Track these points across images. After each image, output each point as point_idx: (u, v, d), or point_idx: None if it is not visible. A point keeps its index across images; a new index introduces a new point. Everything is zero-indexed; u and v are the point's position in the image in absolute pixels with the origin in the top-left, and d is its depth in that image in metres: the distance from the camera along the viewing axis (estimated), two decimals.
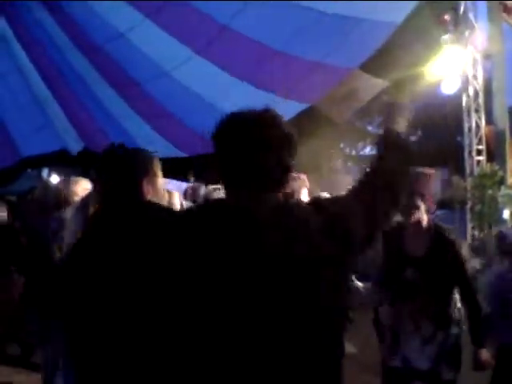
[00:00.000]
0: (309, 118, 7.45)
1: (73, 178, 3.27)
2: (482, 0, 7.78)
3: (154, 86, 7.08)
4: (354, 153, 26.08)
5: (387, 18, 6.76)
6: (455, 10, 7.47)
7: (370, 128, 25.56)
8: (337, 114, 7.96)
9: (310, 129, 8.17)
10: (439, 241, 2.71)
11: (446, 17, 7.30)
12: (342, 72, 7.14)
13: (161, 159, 1.92)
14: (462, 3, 7.69)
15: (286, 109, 7.36)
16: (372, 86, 7.84)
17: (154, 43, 6.52)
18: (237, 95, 6.90)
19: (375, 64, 7.29)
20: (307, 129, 8.08)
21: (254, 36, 6.19)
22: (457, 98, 8.47)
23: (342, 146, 26.02)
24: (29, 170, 11.82)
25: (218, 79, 6.75)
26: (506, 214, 7.16)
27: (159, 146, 7.91)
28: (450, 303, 2.77)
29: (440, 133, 20.16)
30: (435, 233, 2.73)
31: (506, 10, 7.47)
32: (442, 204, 8.72)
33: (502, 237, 3.51)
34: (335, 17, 6.34)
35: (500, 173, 7.35)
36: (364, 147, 26.13)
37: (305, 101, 7.32)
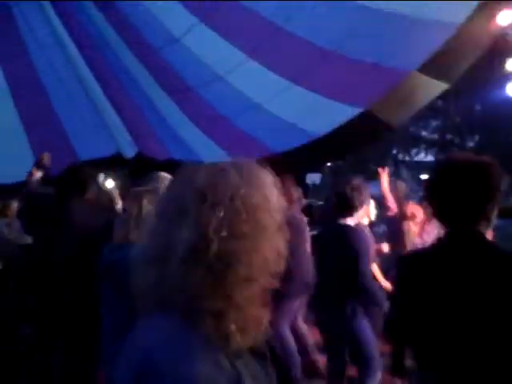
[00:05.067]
0: (364, 122, 7.24)
1: None
2: None
3: (208, 91, 7.08)
4: (407, 158, 25.48)
5: (448, 17, 6.50)
6: None
7: (424, 133, 24.92)
8: (394, 118, 7.70)
9: (366, 133, 7.96)
10: None
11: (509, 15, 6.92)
12: (400, 74, 6.91)
13: None
14: None
15: (340, 112, 7.22)
16: (431, 88, 7.56)
17: (208, 47, 6.51)
18: (289, 99, 6.80)
19: (434, 65, 7.02)
20: (363, 133, 7.87)
21: (308, 36, 6.07)
22: None
23: (394, 151, 25.47)
24: None
25: (269, 82, 6.66)
26: None
27: (212, 152, 7.91)
28: None
29: (501, 138, 19.38)
30: None
31: None
32: (506, 213, 8.28)
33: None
34: (393, 16, 6.14)
35: None
36: (418, 153, 25.49)
37: (360, 105, 7.12)
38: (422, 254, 1.87)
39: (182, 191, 1.03)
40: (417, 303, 1.73)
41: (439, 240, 1.80)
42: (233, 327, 1.00)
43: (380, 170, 4.91)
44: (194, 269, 0.96)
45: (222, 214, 0.97)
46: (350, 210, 3.99)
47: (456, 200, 1.72)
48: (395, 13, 6.25)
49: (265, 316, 1.06)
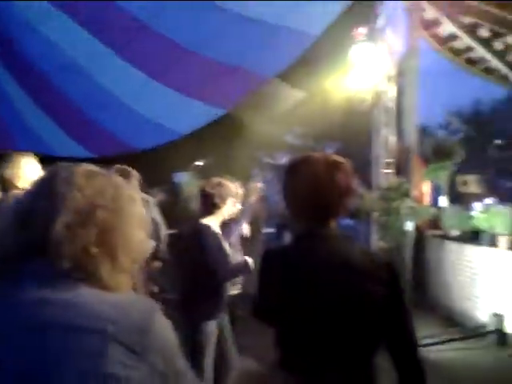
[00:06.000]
0: (224, 123, 7.36)
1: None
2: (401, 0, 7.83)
3: (64, 81, 6.71)
4: (271, 161, 26.43)
5: (307, 28, 6.82)
6: (373, 23, 7.65)
7: (288, 138, 26.02)
8: (254, 121, 7.92)
9: (226, 134, 8.10)
10: None
11: (362, 30, 7.47)
12: (260, 79, 7.12)
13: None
14: (381, 17, 7.91)
15: (201, 112, 7.26)
16: (290, 95, 7.90)
17: (67, 36, 6.18)
18: (149, 95, 6.70)
19: (293, 74, 7.33)
20: (223, 134, 8.00)
21: (171, 35, 6.03)
22: (368, 112, 8.71)
23: (260, 154, 26.28)
24: None
25: (130, 77, 6.50)
26: (408, 225, 7.43)
27: (66, 145, 7.50)
28: None
29: (352, 146, 20.81)
30: None
31: (425, 25, 7.68)
32: (350, 215, 8.96)
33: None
34: (258, 22, 6.31)
35: (406, 186, 7.62)
36: (282, 157, 26.54)
37: (221, 106, 7.22)
38: (282, 250, 1.91)
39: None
40: (276, 296, 1.72)
41: (299, 236, 1.81)
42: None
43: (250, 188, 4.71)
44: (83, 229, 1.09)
45: (107, 194, 1.14)
46: (212, 207, 3.92)
47: (308, 198, 1.71)
48: (260, 19, 6.43)
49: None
